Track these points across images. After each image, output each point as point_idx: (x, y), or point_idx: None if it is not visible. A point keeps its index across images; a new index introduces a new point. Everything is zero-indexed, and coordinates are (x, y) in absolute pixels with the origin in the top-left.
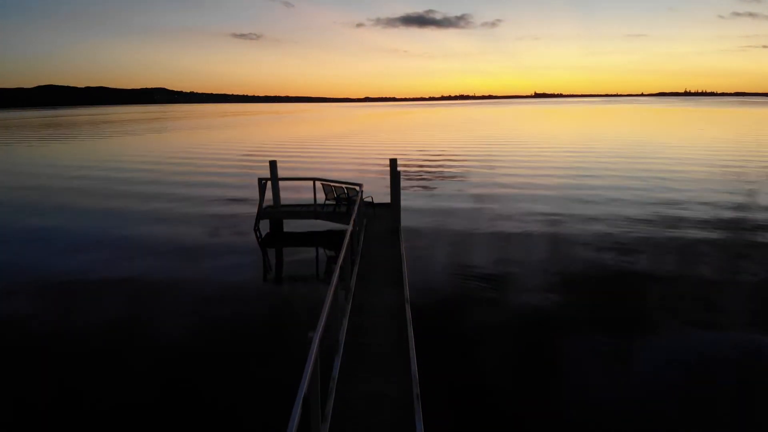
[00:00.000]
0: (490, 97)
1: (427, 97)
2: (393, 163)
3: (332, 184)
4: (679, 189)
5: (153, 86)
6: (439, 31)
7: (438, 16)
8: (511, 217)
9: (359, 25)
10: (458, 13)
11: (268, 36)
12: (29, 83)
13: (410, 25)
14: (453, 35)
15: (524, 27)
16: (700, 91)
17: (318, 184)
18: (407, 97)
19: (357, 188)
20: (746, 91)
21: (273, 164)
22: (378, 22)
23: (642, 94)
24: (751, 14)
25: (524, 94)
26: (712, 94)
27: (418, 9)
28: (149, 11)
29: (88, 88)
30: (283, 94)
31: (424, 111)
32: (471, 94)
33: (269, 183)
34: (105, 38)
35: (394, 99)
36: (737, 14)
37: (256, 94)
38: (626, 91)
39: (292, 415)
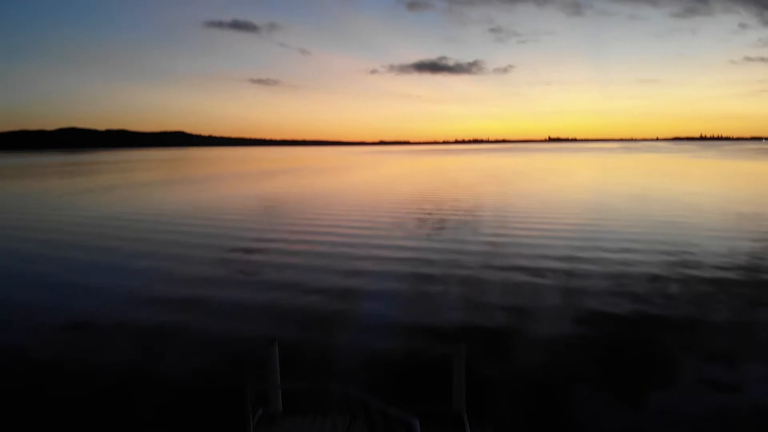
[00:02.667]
0: (504, 141)
1: (441, 140)
2: (458, 354)
3: (367, 402)
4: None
5: (172, 129)
6: (451, 77)
7: (450, 63)
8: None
9: (373, 71)
10: (470, 60)
11: (285, 82)
12: (51, 125)
13: (423, 72)
14: (465, 81)
15: (536, 73)
16: (715, 135)
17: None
18: (421, 140)
19: (411, 423)
20: (762, 135)
21: (272, 345)
22: (392, 68)
23: (657, 139)
24: (762, 59)
25: (538, 139)
26: (728, 138)
27: (430, 56)
28: (171, 56)
29: (109, 131)
30: (299, 138)
31: (447, 158)
32: (485, 138)
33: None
34: (126, 82)
35: (407, 143)
36: (749, 59)
37: (273, 138)
38: (641, 136)
39: None
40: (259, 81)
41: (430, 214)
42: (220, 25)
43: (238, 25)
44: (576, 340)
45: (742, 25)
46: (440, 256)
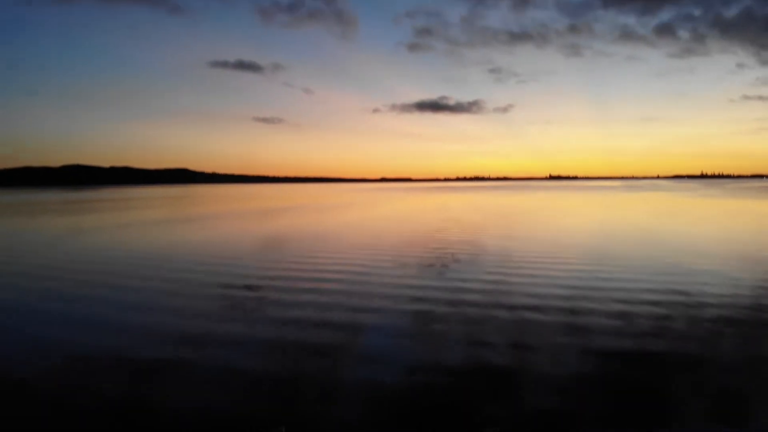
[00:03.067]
0: (505, 178)
1: (442, 177)
2: None
3: None
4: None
5: (176, 167)
6: (452, 116)
7: (451, 102)
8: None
9: (375, 110)
10: (470, 99)
11: (289, 120)
12: (55, 162)
13: (424, 111)
14: (466, 120)
15: (535, 111)
16: (716, 173)
17: None
18: (423, 177)
19: None
20: (763, 173)
21: None
22: (393, 107)
23: (658, 177)
24: (761, 97)
25: (539, 176)
26: (728, 176)
27: (431, 95)
28: (175, 95)
29: (113, 168)
30: (302, 175)
31: (450, 196)
32: (486, 175)
33: None
34: (130, 119)
35: (409, 179)
36: (747, 98)
37: (276, 175)
38: (642, 174)
39: None
40: (263, 119)
41: (438, 257)
42: (224, 65)
43: (243, 66)
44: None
45: (740, 65)
46: (455, 310)
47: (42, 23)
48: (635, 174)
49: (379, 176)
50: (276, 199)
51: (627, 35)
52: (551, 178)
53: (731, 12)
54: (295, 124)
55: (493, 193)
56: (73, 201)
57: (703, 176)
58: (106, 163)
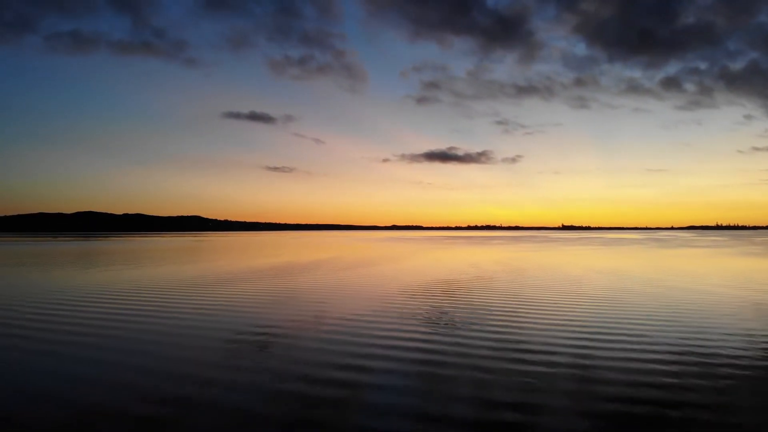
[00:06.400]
0: (517, 227)
1: (453, 225)
2: None
3: None
4: None
5: (188, 214)
6: (461, 165)
7: (460, 152)
8: None
9: (385, 160)
10: (479, 150)
11: (300, 169)
12: (69, 209)
13: (433, 160)
14: (475, 169)
15: (544, 162)
16: (731, 224)
17: None
18: (433, 225)
19: None
20: None
21: None
22: (403, 157)
23: (672, 227)
24: None
25: (551, 226)
26: (744, 227)
27: (440, 146)
28: (188, 144)
29: (125, 215)
30: (313, 222)
31: (474, 250)
32: (497, 224)
33: None
34: (144, 167)
35: (420, 227)
36: (757, 149)
37: (287, 222)
38: (655, 224)
39: None
40: (275, 168)
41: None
42: (237, 116)
43: (255, 117)
44: None
45: (747, 117)
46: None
47: (58, 72)
48: (648, 224)
49: (389, 223)
50: (293, 249)
51: (633, 88)
52: (564, 227)
53: (737, 65)
54: (306, 172)
55: (517, 245)
56: (93, 252)
57: (718, 227)
58: (118, 210)
